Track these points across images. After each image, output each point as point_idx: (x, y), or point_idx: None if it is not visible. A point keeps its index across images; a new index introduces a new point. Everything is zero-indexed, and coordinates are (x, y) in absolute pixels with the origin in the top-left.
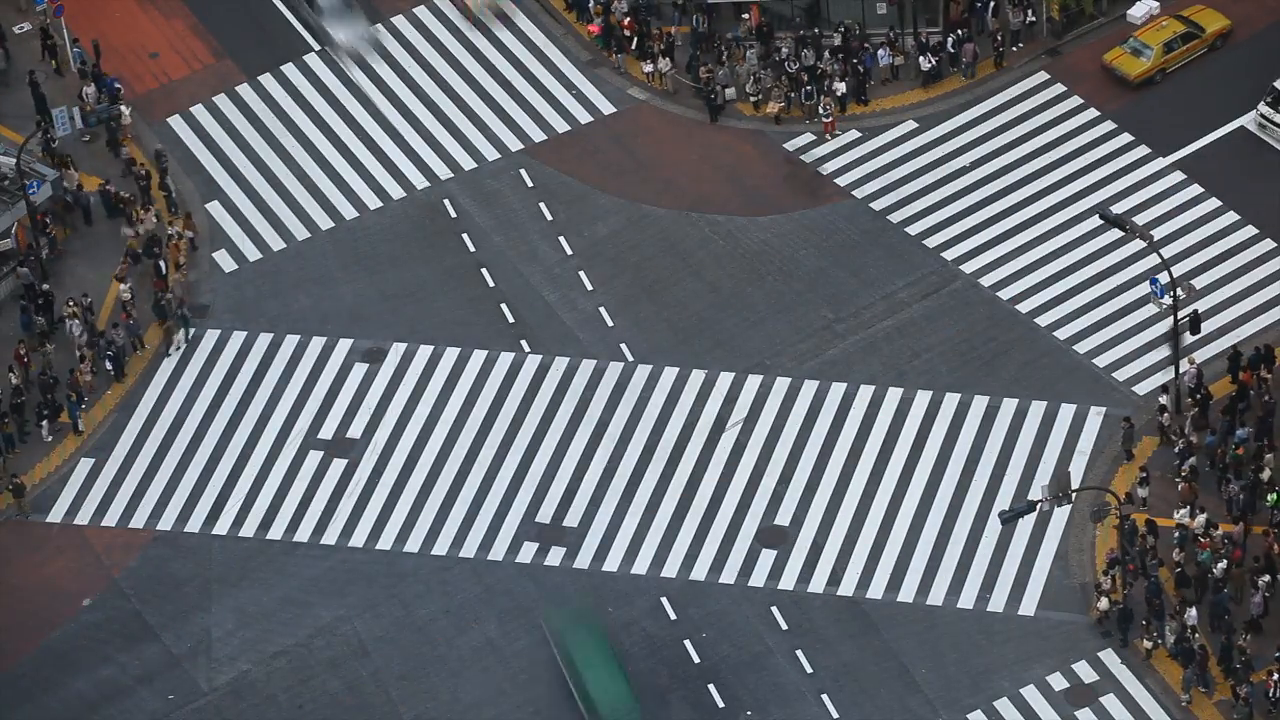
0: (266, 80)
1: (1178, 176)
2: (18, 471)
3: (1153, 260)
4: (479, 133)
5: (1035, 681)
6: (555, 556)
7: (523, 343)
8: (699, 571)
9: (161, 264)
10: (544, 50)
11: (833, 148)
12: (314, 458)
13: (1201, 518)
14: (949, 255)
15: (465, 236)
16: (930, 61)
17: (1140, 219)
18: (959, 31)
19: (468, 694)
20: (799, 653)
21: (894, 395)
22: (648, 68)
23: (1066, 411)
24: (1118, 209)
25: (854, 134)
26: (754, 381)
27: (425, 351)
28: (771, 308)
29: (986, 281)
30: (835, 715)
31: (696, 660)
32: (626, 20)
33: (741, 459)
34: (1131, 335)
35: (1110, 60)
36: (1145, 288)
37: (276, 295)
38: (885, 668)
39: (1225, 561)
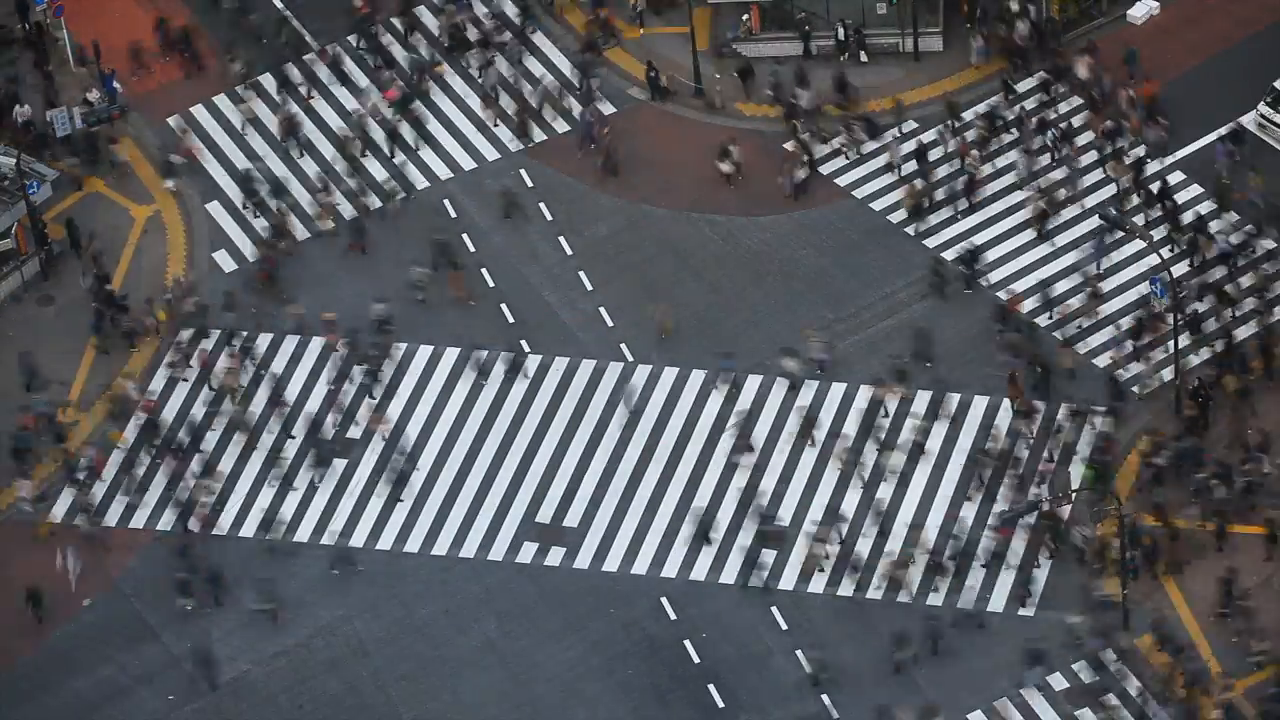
0: (266, 80)
1: (1178, 176)
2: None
3: (1153, 260)
4: (479, 133)
5: (1035, 681)
6: (555, 556)
7: (523, 343)
8: (699, 571)
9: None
10: (544, 50)
11: (833, 147)
12: (314, 458)
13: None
14: (949, 255)
15: (465, 236)
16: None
17: (1140, 219)
18: (967, 25)
19: (468, 694)
20: (799, 653)
21: (894, 395)
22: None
23: (1066, 411)
24: (1118, 209)
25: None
26: (754, 381)
27: (425, 351)
28: (771, 308)
29: (986, 281)
30: (835, 715)
31: (696, 660)
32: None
33: (741, 459)
34: (1131, 335)
35: None
36: (1145, 288)
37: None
38: (885, 668)
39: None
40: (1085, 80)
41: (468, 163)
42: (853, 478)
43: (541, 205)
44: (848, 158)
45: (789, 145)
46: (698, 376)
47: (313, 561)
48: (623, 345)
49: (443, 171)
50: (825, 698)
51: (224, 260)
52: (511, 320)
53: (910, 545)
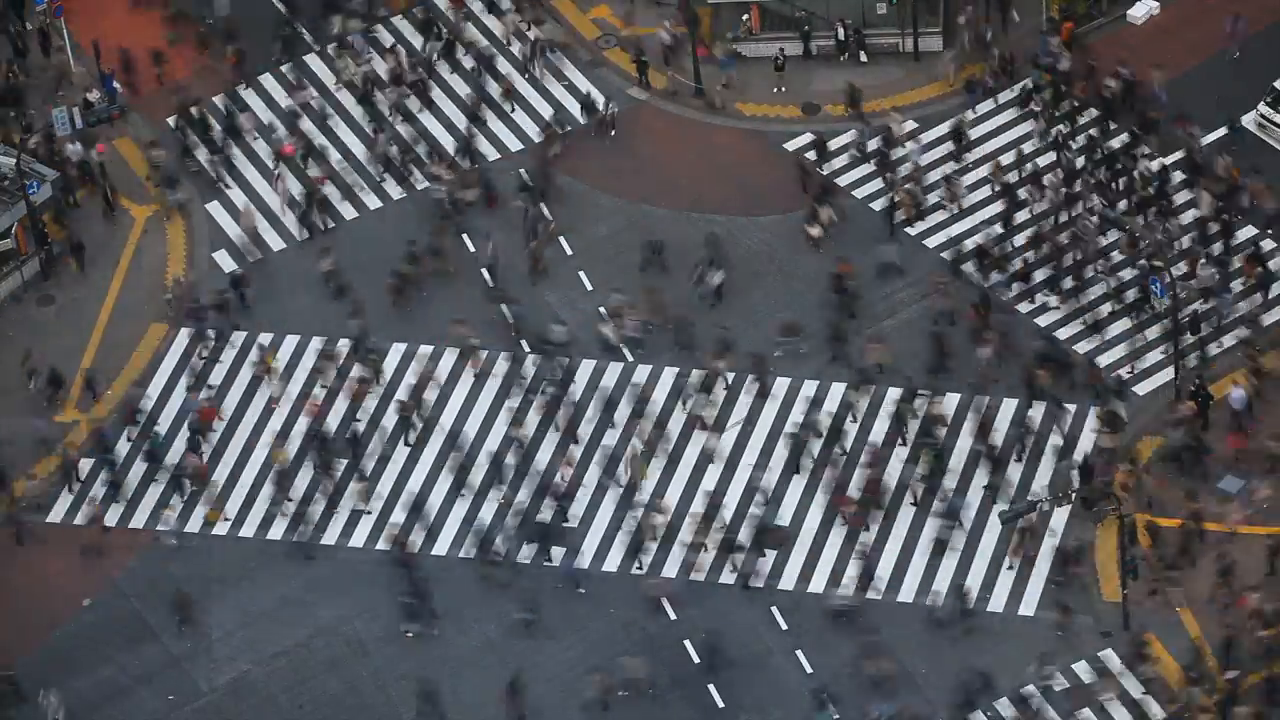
0: (266, 80)
1: (1178, 177)
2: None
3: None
4: (479, 133)
5: (1035, 681)
6: (555, 556)
7: (523, 343)
8: (699, 571)
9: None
10: (544, 50)
11: (832, 147)
12: (314, 458)
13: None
14: (949, 255)
15: (465, 237)
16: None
17: (1141, 219)
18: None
19: (468, 694)
20: (799, 653)
21: (894, 395)
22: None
23: (1066, 411)
24: (1118, 210)
25: (854, 134)
26: (754, 381)
27: (425, 351)
28: (771, 308)
29: (987, 282)
30: (835, 715)
31: (696, 660)
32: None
33: (741, 459)
34: (1131, 335)
35: None
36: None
37: (276, 295)
38: (885, 668)
39: None
40: (1191, 148)
41: (467, 163)
42: (852, 478)
43: (541, 205)
44: (949, 212)
45: (898, 200)
46: (698, 376)
47: (312, 561)
48: (623, 345)
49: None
50: (825, 697)
51: (224, 260)
52: (511, 320)
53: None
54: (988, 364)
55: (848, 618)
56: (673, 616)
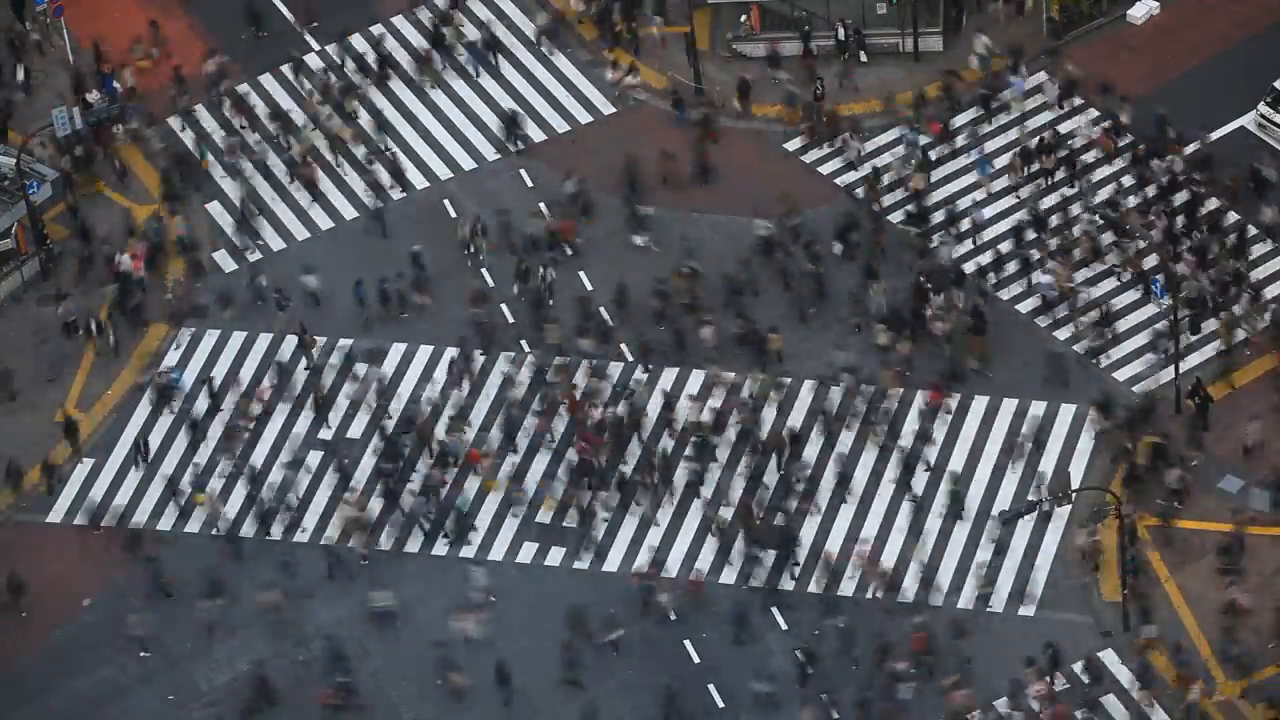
0: (266, 80)
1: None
2: (22, 469)
3: (1153, 260)
4: (479, 133)
5: (1035, 681)
6: (555, 557)
7: (523, 343)
8: (699, 572)
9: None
10: (544, 50)
11: (833, 147)
12: (314, 458)
13: None
14: (949, 255)
15: None
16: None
17: (1140, 219)
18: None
19: (468, 694)
20: (799, 653)
21: (894, 395)
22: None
23: (1066, 411)
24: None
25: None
26: (754, 382)
27: (425, 351)
28: (772, 308)
29: (987, 282)
30: (835, 715)
31: (696, 660)
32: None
33: (742, 459)
34: (1131, 335)
35: None
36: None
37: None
38: (885, 668)
39: None
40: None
41: (468, 163)
42: (853, 478)
43: (542, 205)
44: (1120, 280)
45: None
46: (698, 376)
47: (312, 561)
48: (623, 345)
49: (443, 171)
50: (824, 696)
51: (224, 260)
52: (512, 320)
53: None
54: (710, 345)
55: (388, 617)
56: (672, 617)
